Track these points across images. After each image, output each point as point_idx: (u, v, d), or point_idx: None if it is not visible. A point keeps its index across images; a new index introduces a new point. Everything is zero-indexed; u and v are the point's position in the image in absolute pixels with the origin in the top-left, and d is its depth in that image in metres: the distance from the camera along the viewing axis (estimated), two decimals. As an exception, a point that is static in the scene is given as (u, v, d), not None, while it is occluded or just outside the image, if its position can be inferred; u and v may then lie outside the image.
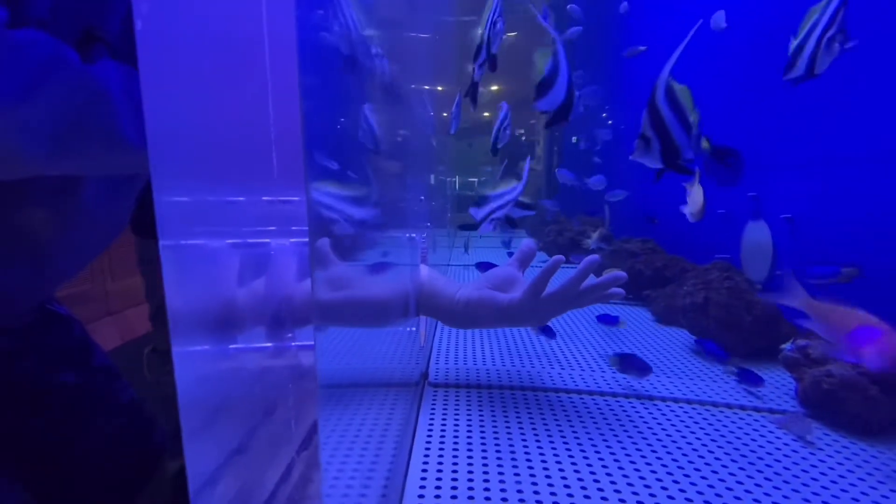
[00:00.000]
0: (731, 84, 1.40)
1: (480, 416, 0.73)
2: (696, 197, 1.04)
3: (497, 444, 0.65)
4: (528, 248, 0.84)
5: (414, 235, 0.71)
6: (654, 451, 0.64)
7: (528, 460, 0.61)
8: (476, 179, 6.16)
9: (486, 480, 0.58)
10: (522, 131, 5.53)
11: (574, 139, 3.65)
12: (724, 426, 0.71)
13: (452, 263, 2.17)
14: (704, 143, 1.33)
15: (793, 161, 1.16)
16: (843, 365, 0.69)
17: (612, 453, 0.63)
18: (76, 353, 0.73)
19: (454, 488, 0.56)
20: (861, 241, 0.99)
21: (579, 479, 0.58)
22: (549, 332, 1.02)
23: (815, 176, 1.09)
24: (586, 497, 0.55)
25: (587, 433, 0.68)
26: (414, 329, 0.71)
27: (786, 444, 0.66)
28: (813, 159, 1.10)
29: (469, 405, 0.76)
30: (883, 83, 0.89)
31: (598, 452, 0.64)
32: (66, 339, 0.72)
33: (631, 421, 0.72)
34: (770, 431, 0.69)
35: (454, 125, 1.56)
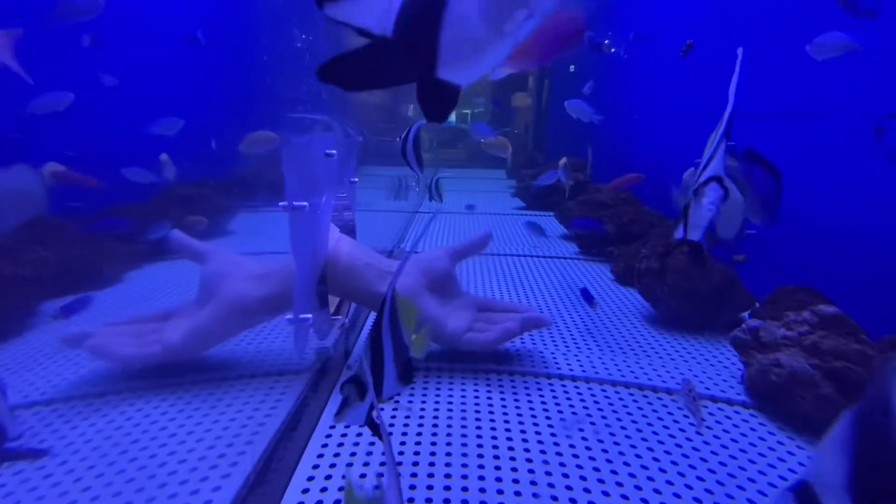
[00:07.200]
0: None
1: (396, 400, 0.65)
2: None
3: (404, 434, 0.58)
4: (477, 244, 0.80)
5: (305, 203, 0.59)
6: (584, 439, 0.56)
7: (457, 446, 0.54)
8: (469, 111, 5.86)
9: (379, 475, 0.52)
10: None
11: (571, 67, 3.38)
12: (655, 411, 0.63)
13: (421, 211, 2.07)
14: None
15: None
16: (793, 353, 0.61)
17: (554, 436, 0.56)
18: None
19: (344, 477, 0.51)
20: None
21: (496, 468, 0.52)
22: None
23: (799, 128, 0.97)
24: (498, 481, 0.49)
25: (504, 415, 0.60)
26: (308, 316, 0.62)
27: (724, 447, 0.58)
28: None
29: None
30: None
31: (525, 436, 0.56)
32: None
33: (570, 404, 0.64)
34: (708, 427, 0.61)
35: None
